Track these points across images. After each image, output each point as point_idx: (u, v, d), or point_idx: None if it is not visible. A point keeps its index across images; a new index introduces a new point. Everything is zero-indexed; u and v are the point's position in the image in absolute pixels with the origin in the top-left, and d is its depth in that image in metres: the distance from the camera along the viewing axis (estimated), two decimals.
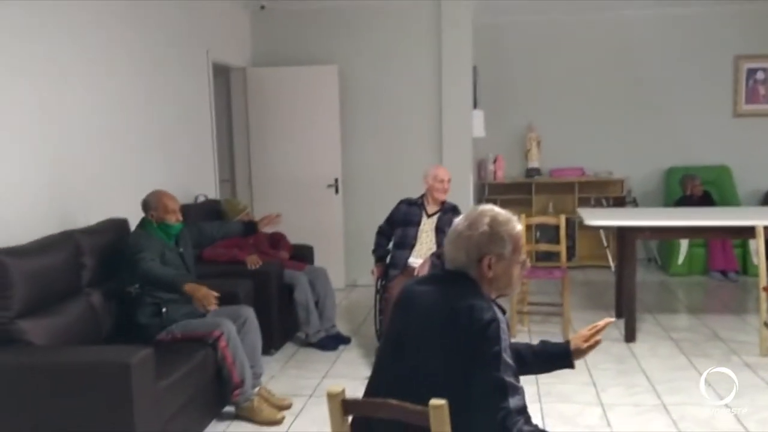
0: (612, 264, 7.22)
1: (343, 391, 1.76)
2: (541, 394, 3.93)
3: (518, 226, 2.00)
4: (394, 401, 1.71)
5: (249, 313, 3.85)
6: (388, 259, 4.71)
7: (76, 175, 3.98)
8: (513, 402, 1.76)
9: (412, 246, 4.60)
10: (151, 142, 4.86)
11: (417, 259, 4.54)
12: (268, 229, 4.79)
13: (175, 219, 3.78)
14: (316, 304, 4.92)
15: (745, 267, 6.93)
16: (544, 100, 7.72)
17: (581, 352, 2.14)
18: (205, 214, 5.00)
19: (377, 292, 4.72)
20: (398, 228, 4.68)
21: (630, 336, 4.89)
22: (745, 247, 6.91)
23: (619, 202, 7.51)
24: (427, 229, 4.65)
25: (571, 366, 2.17)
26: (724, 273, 6.89)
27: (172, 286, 3.47)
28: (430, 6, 6.41)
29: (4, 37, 3.38)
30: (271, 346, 4.60)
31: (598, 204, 7.57)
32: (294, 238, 5.51)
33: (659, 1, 7.14)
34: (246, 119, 6.65)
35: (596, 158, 7.69)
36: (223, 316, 3.70)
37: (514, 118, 7.74)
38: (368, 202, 6.54)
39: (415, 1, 6.44)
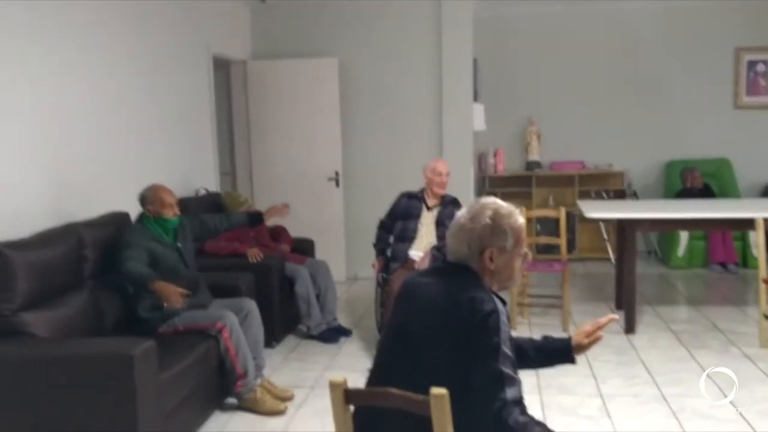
0: (612, 256, 7.24)
1: (345, 381, 1.77)
2: (541, 386, 3.96)
3: (520, 219, 2.01)
4: (395, 390, 1.72)
5: (251, 305, 3.86)
6: (389, 253, 4.72)
7: (77, 170, 3.98)
8: (510, 393, 1.78)
9: (412, 239, 4.62)
10: (151, 135, 4.86)
11: (418, 253, 4.56)
12: (273, 221, 4.78)
13: (172, 213, 3.76)
14: (318, 297, 4.93)
15: (745, 259, 6.94)
16: (544, 94, 7.72)
17: (582, 348, 2.15)
18: (206, 207, 5.02)
19: (378, 285, 4.74)
20: (399, 221, 4.69)
21: (630, 328, 4.91)
22: (744, 239, 6.93)
23: (620, 194, 7.52)
24: (427, 222, 4.66)
25: (572, 361, 2.18)
26: (723, 265, 6.91)
27: (143, 284, 3.43)
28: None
29: (3, 35, 3.38)
30: (272, 338, 4.62)
31: (598, 197, 7.57)
32: (295, 232, 5.53)
33: None
34: (246, 112, 6.65)
35: (596, 151, 7.69)
36: (226, 308, 3.72)
37: (515, 111, 7.74)
38: (369, 196, 6.55)
39: None
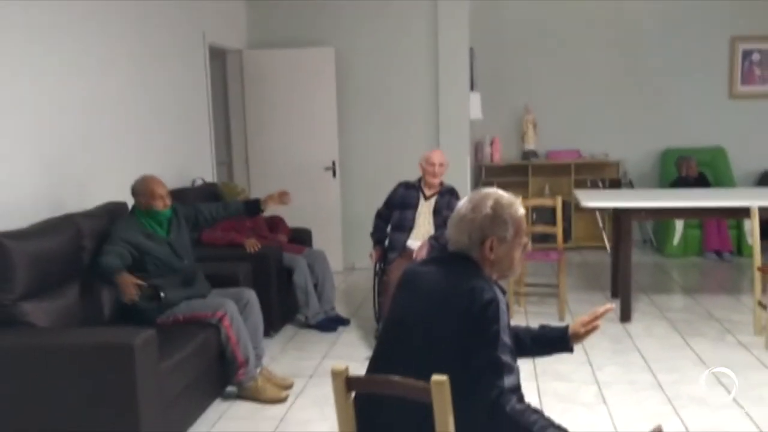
0: (608, 245, 7.27)
1: (346, 369, 1.79)
2: (537, 373, 3.99)
3: (521, 210, 2.02)
4: (396, 378, 1.74)
5: (251, 295, 3.87)
6: (386, 242, 4.74)
7: (73, 161, 3.98)
8: (507, 381, 1.80)
9: (410, 228, 4.63)
10: (147, 126, 4.86)
11: (415, 242, 4.57)
12: (272, 210, 4.75)
13: (162, 205, 3.68)
14: (315, 286, 4.95)
15: (740, 248, 6.99)
16: (540, 83, 7.73)
17: (579, 337, 2.17)
18: (203, 197, 5.02)
19: (376, 274, 4.75)
20: (396, 211, 4.70)
21: (626, 316, 4.95)
22: (739, 228, 6.97)
23: (615, 183, 7.55)
24: (424, 211, 4.67)
25: (569, 350, 2.20)
26: (718, 254, 6.95)
27: (110, 277, 3.37)
28: None
29: (1, 29, 3.36)
30: (270, 328, 4.64)
31: (594, 186, 7.60)
32: (291, 222, 5.54)
33: None
34: (242, 102, 6.65)
35: (592, 140, 7.71)
36: (226, 297, 3.73)
37: (511, 100, 7.75)
38: (365, 185, 6.57)
39: None
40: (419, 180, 4.77)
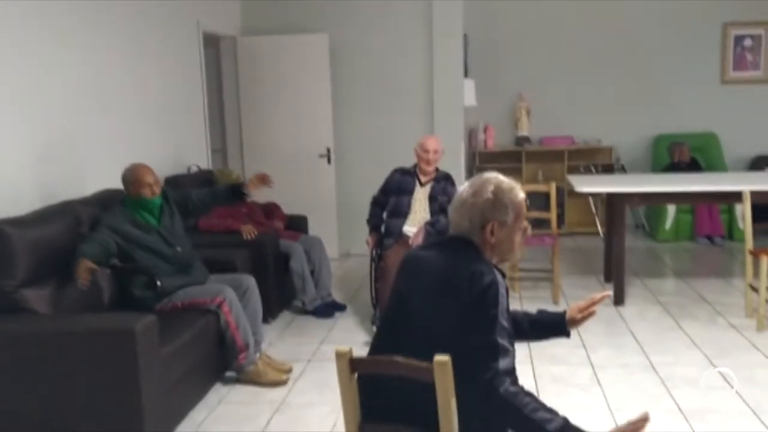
0: (600, 230, 7.33)
1: (350, 350, 1.83)
2: (533, 356, 4.04)
3: (521, 194, 2.05)
4: (399, 358, 1.78)
5: (250, 281, 3.90)
6: (382, 229, 4.77)
7: (68, 150, 3.98)
8: (503, 363, 1.84)
9: (405, 214, 4.65)
10: (142, 113, 4.85)
11: (411, 228, 4.60)
12: (260, 197, 4.71)
13: (150, 193, 3.64)
14: (312, 273, 4.98)
15: (731, 232, 7.06)
16: (533, 70, 7.75)
17: (576, 322, 2.21)
18: (198, 184, 5.02)
19: (372, 260, 4.78)
20: (392, 197, 4.73)
21: (619, 300, 5.01)
22: (731, 212, 7.03)
23: (608, 169, 7.60)
24: (420, 197, 4.69)
25: (566, 335, 2.24)
26: (710, 238, 7.02)
27: (75, 263, 3.26)
28: None
29: None
30: (268, 314, 4.65)
31: (587, 171, 7.64)
32: (287, 209, 5.56)
33: None
34: (237, 88, 6.64)
35: (585, 126, 7.75)
36: (225, 284, 3.75)
37: (505, 87, 7.76)
38: (360, 172, 6.58)
39: None
40: (415, 166, 4.79)
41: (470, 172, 7.32)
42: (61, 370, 2.84)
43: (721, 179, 5.74)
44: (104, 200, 3.82)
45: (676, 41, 7.56)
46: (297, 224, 5.52)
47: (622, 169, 7.67)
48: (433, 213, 4.60)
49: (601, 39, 7.62)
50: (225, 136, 6.80)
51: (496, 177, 2.06)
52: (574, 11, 7.60)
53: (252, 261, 4.46)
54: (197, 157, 5.76)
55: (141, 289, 3.62)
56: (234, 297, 3.68)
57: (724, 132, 7.55)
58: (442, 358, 1.69)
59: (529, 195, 7.31)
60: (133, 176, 3.66)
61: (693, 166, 7.15)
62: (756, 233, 4.67)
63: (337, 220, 6.72)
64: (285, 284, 4.93)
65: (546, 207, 5.38)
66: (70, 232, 3.39)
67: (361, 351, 2.11)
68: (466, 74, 6.81)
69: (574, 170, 7.59)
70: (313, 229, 5.76)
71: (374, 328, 4.50)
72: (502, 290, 1.93)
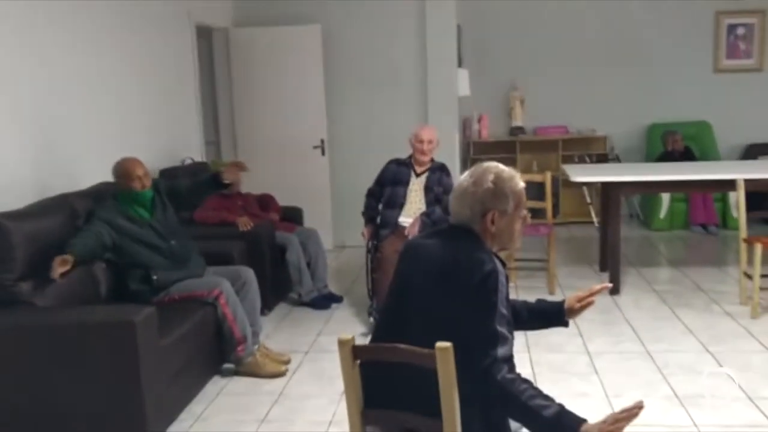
0: (595, 220, 7.35)
1: (353, 338, 1.84)
2: (530, 345, 4.07)
3: (521, 183, 2.07)
4: (401, 345, 1.79)
5: (249, 273, 3.90)
6: (378, 220, 4.77)
7: (62, 143, 3.96)
8: (501, 351, 1.85)
9: (401, 205, 4.66)
10: (135, 106, 4.84)
11: (407, 219, 4.60)
12: (255, 189, 4.68)
13: (140, 186, 3.62)
14: (308, 264, 4.99)
15: (725, 220, 7.10)
16: (527, 60, 7.75)
17: (574, 312, 2.22)
18: (192, 176, 5.00)
19: (369, 252, 4.79)
20: (387, 187, 4.73)
21: (615, 289, 5.03)
22: (724, 201, 7.07)
23: (602, 158, 7.62)
24: (415, 188, 4.70)
25: (565, 324, 2.26)
26: (704, 227, 7.06)
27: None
28: None
29: None
30: (264, 306, 4.62)
31: (581, 161, 7.66)
32: (281, 200, 5.55)
33: None
34: (229, 80, 6.62)
35: (579, 116, 7.77)
36: (224, 276, 3.76)
37: (498, 77, 7.76)
38: (354, 163, 6.57)
39: None
40: (410, 157, 4.79)
41: (465, 163, 7.34)
42: (62, 362, 2.85)
43: (714, 168, 5.77)
44: (100, 193, 3.81)
45: (669, 30, 7.58)
46: (292, 216, 5.52)
47: (617, 159, 7.69)
48: (428, 203, 4.60)
49: (595, 29, 7.62)
50: (218, 128, 6.79)
51: (496, 166, 2.07)
52: (568, 1, 7.59)
53: (248, 253, 4.46)
54: (191, 149, 5.74)
55: (137, 283, 3.61)
56: (231, 289, 3.68)
57: (718, 120, 7.57)
58: (443, 345, 1.70)
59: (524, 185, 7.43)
60: (122, 170, 3.64)
61: (686, 155, 7.17)
62: (750, 221, 4.69)
63: (331, 211, 6.72)
64: (281, 276, 4.93)
65: (541, 197, 5.39)
66: (67, 225, 3.39)
67: (358, 341, 2.10)
68: (459, 64, 6.81)
69: (568, 160, 7.60)
70: (308, 221, 5.76)
71: (371, 319, 4.51)
72: (502, 278, 1.94)
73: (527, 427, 1.88)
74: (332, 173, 6.71)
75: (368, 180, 4.92)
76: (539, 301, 2.33)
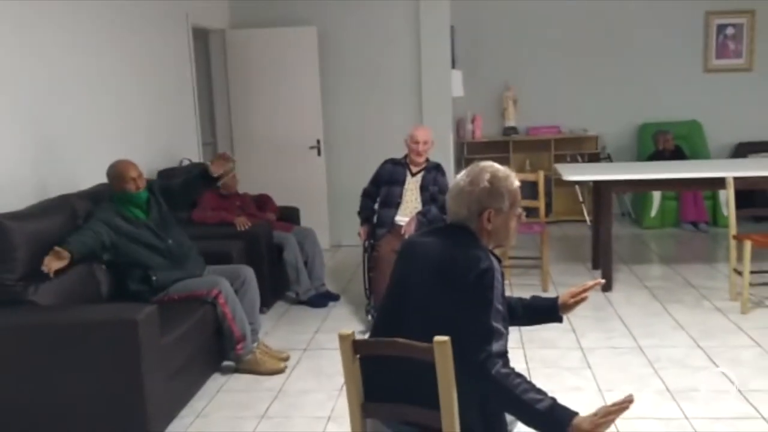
0: (588, 218, 7.43)
1: (353, 333, 1.90)
2: (524, 341, 4.14)
3: (516, 182, 2.13)
4: (400, 340, 1.85)
5: (248, 272, 3.95)
6: (374, 219, 4.83)
7: (58, 144, 3.99)
8: (496, 346, 1.90)
9: (397, 204, 4.72)
10: (133, 107, 4.88)
11: (403, 218, 4.67)
12: (252, 189, 4.70)
13: (134, 187, 3.65)
14: (305, 263, 5.04)
15: (715, 218, 7.18)
16: (519, 60, 7.81)
17: (568, 308, 2.28)
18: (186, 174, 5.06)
19: (365, 251, 4.84)
20: (383, 187, 4.79)
21: (607, 286, 5.11)
22: (715, 199, 7.16)
23: (594, 158, 7.69)
24: (411, 187, 4.76)
25: (558, 320, 2.32)
26: (695, 224, 7.15)
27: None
28: None
29: None
30: (263, 304, 4.66)
31: (573, 160, 7.74)
32: (278, 200, 5.59)
33: None
34: (226, 82, 6.66)
35: (571, 116, 7.84)
36: (223, 275, 3.81)
37: (491, 77, 7.83)
38: (350, 163, 6.63)
39: None
40: (405, 157, 4.85)
41: (459, 163, 7.41)
42: (64, 360, 2.90)
43: (704, 166, 5.85)
44: (100, 194, 3.85)
45: (659, 30, 7.66)
46: (289, 216, 5.57)
47: (608, 158, 7.77)
48: (424, 202, 4.67)
49: (586, 30, 7.70)
50: (215, 130, 6.84)
51: (491, 166, 2.13)
52: (560, 2, 7.67)
53: (246, 252, 4.51)
54: (188, 150, 5.79)
55: (137, 284, 3.65)
56: (230, 289, 3.73)
57: (708, 120, 7.66)
58: (441, 339, 1.76)
59: None
60: (116, 172, 3.68)
61: (677, 154, 7.24)
62: (739, 219, 4.78)
63: (327, 211, 6.77)
64: (279, 275, 4.99)
65: (534, 195, 5.46)
66: (68, 225, 3.43)
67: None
68: (453, 65, 6.87)
69: (560, 159, 7.68)
70: (305, 221, 5.81)
71: (369, 317, 4.57)
72: (497, 275, 1.99)
73: (521, 419, 1.94)
74: (328, 173, 6.77)
75: (364, 180, 4.98)
76: (534, 297, 2.39)
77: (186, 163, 5.54)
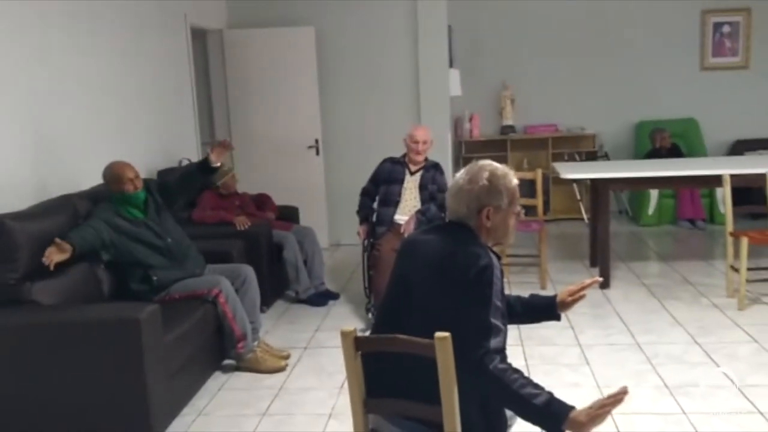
0: (585, 216, 7.46)
1: (355, 330, 1.93)
2: (523, 338, 4.16)
3: (514, 180, 2.15)
4: (401, 336, 1.88)
5: (248, 271, 3.98)
6: (374, 217, 4.85)
7: (57, 145, 4.01)
8: (494, 342, 1.93)
9: (396, 203, 4.74)
10: (132, 108, 4.90)
11: (402, 216, 4.69)
12: (252, 188, 4.73)
13: (132, 188, 3.66)
14: (305, 262, 5.06)
15: (712, 216, 7.22)
16: (517, 59, 7.84)
17: (566, 305, 2.31)
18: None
19: (365, 250, 4.86)
20: (383, 186, 4.81)
21: (605, 283, 5.13)
22: (711, 196, 7.19)
23: (592, 156, 7.73)
24: (410, 186, 4.78)
25: (557, 318, 2.35)
26: (692, 222, 7.18)
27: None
28: None
29: None
30: (262, 303, 4.68)
31: (571, 159, 7.77)
32: (277, 200, 5.62)
33: None
34: (224, 82, 6.68)
35: (569, 114, 7.87)
36: (224, 274, 3.84)
37: (489, 76, 7.86)
38: (349, 163, 6.65)
39: None
40: (404, 155, 4.87)
41: (457, 162, 7.43)
42: (67, 359, 2.92)
43: (701, 164, 5.88)
44: (100, 194, 3.86)
45: (655, 29, 7.69)
46: (288, 215, 5.59)
47: (606, 156, 7.81)
48: (423, 201, 4.69)
49: (583, 28, 7.73)
50: (214, 129, 6.85)
51: (490, 164, 2.16)
52: (557, 2, 7.69)
53: (246, 251, 4.53)
54: (187, 150, 5.81)
55: (137, 283, 3.67)
56: (230, 288, 3.75)
57: (704, 118, 7.70)
58: (442, 334, 1.79)
59: None
60: (113, 174, 3.69)
61: (674, 152, 7.28)
62: (736, 216, 4.81)
63: (326, 210, 6.80)
64: (279, 274, 5.01)
65: (532, 194, 5.49)
66: (69, 225, 3.45)
67: None
68: (451, 64, 6.89)
69: (558, 158, 7.71)
70: (304, 220, 5.84)
71: (369, 316, 4.60)
72: (497, 272, 2.02)
73: (519, 414, 1.96)
74: (327, 172, 6.78)
75: (362, 179, 5.00)
76: (532, 295, 2.41)
77: (185, 162, 5.55)
